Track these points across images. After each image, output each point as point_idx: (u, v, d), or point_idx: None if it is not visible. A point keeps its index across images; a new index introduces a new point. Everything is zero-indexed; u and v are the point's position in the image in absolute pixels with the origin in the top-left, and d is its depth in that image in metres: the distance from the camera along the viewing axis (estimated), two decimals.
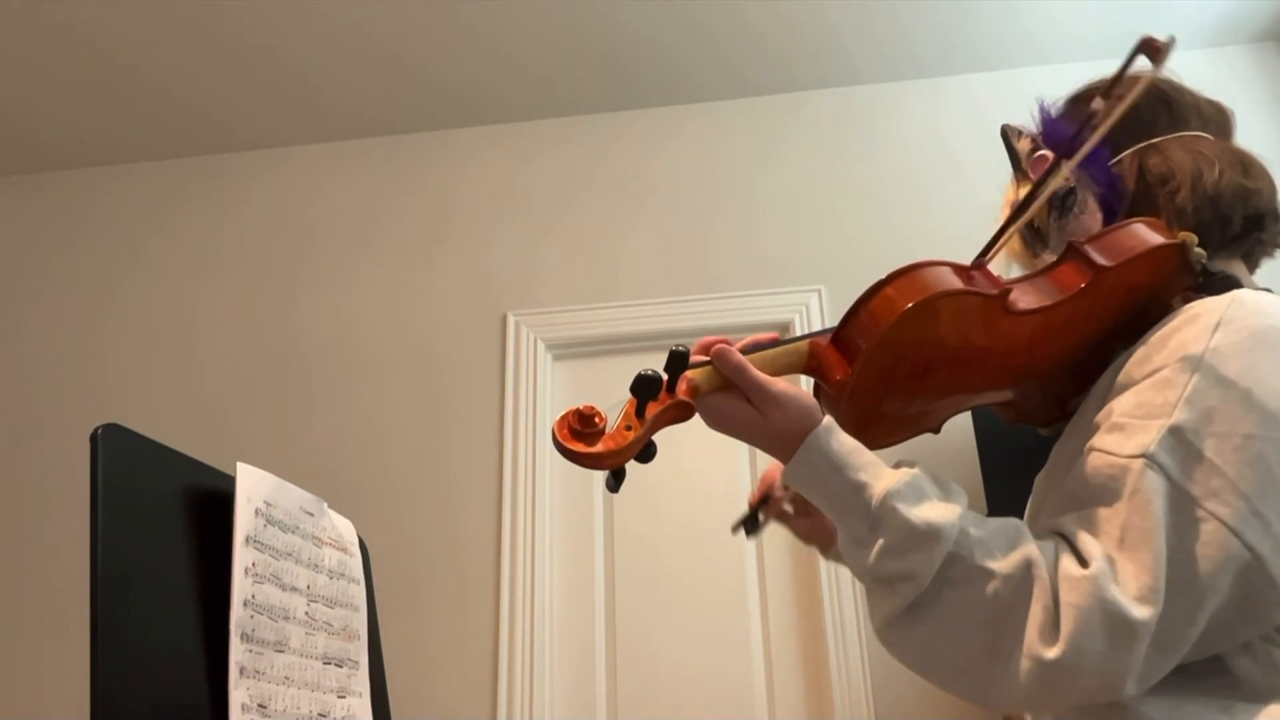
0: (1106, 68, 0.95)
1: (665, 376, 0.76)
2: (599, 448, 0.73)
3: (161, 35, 2.41)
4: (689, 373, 0.78)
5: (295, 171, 2.81)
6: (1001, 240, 0.90)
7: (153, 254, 2.76)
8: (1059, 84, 1.05)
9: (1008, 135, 1.05)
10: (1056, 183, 0.95)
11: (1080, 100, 1.01)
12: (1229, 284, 0.85)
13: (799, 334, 0.94)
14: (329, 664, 1.00)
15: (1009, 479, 1.87)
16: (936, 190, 2.53)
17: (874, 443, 0.84)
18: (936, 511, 0.74)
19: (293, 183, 2.80)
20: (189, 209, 2.80)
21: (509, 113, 2.76)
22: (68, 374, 2.63)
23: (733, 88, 2.70)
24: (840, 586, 2.14)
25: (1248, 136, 1.01)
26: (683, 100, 2.74)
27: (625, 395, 0.77)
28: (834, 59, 2.61)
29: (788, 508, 1.07)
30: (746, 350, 0.82)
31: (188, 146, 2.83)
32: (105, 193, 2.86)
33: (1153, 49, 0.85)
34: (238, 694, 0.85)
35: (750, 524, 1.06)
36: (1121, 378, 0.81)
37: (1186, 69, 1.00)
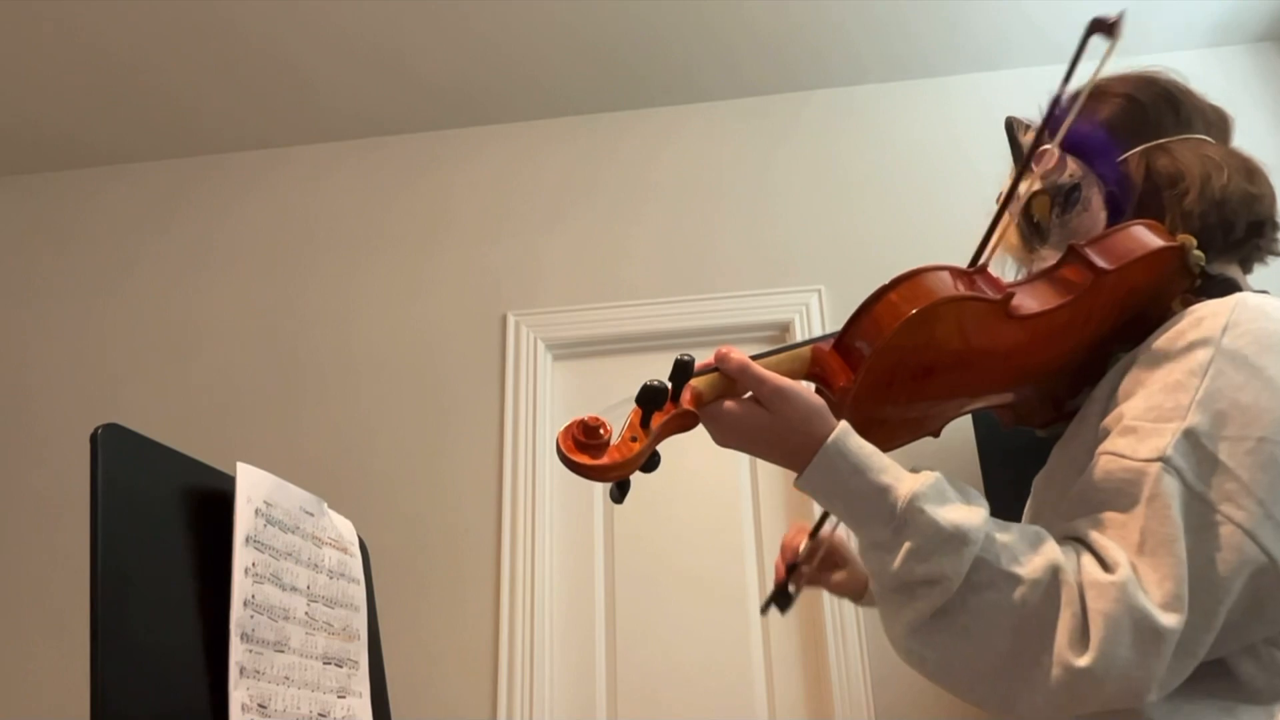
0: (1105, 68, 0.95)
1: (670, 386, 0.76)
2: (604, 460, 0.72)
3: (161, 35, 2.41)
4: (693, 381, 0.78)
5: (295, 171, 2.81)
6: (995, 239, 0.91)
7: (153, 254, 2.76)
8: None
9: (1012, 128, 1.05)
10: (1031, 183, 0.96)
11: (1087, 96, 1.01)
12: (1227, 287, 0.85)
13: (799, 334, 0.94)
14: (329, 664, 1.00)
15: (1009, 479, 1.87)
16: (938, 190, 2.53)
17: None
18: (961, 514, 0.73)
19: (293, 183, 2.80)
20: (189, 209, 2.80)
21: (509, 113, 2.76)
22: (68, 374, 2.63)
23: (734, 87, 2.70)
24: None
25: (1248, 136, 1.01)
26: (683, 100, 2.74)
27: (625, 394, 0.77)
28: (836, 58, 2.61)
29: (817, 569, 1.05)
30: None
31: (188, 146, 2.83)
32: (105, 193, 2.85)
33: (1105, 26, 0.86)
34: (238, 694, 0.85)
35: (782, 600, 0.98)
36: (1128, 381, 0.81)
37: (1186, 69, 1.00)
